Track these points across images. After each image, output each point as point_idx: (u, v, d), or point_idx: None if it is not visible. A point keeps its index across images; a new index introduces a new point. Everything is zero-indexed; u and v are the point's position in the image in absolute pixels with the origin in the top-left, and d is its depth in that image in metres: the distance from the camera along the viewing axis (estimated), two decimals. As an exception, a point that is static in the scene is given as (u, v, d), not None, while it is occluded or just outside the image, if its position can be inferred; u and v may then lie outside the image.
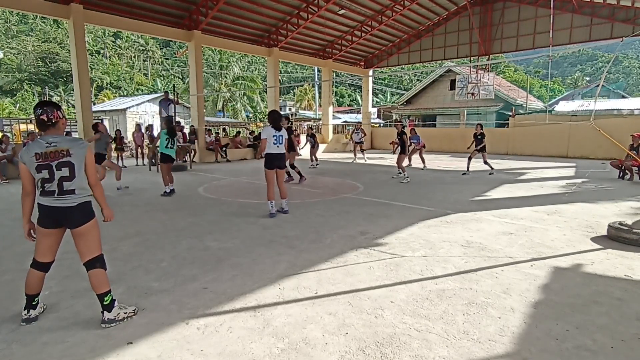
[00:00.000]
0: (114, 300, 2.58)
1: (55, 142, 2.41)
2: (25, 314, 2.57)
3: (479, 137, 10.18)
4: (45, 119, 2.42)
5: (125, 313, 2.60)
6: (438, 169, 11.06)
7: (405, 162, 9.46)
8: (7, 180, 9.29)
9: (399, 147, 9.14)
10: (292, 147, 8.67)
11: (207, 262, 3.70)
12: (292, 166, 8.91)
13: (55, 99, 38.75)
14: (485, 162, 10.35)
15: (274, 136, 5.43)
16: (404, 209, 6.04)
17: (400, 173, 9.11)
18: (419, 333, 2.41)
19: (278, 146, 5.46)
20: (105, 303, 2.52)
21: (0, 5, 10.56)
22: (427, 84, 28.84)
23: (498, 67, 47.52)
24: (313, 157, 12.59)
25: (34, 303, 2.60)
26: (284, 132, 5.55)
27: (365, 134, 15.57)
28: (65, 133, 2.71)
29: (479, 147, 10.20)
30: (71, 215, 2.48)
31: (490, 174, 10.13)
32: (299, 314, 2.67)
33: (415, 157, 12.21)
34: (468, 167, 10.21)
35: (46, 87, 39.28)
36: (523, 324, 2.52)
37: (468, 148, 10.69)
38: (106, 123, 25.51)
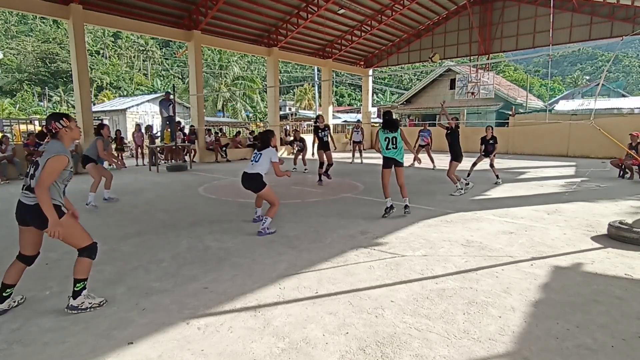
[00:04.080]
0: (84, 289, 2.66)
1: (45, 145, 2.70)
2: None
3: (491, 141, 8.62)
4: (45, 130, 2.83)
5: (90, 303, 2.68)
6: (438, 169, 11.04)
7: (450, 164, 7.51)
8: (7, 181, 9.28)
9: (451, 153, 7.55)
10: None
11: (208, 262, 3.70)
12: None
13: (55, 99, 38.78)
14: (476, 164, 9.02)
15: (253, 154, 4.99)
16: (404, 208, 6.03)
17: (466, 183, 7.65)
18: (420, 332, 2.41)
19: (252, 164, 4.83)
20: (75, 289, 2.64)
21: (0, 5, 10.56)
22: (427, 83, 28.86)
23: (498, 66, 47.45)
24: (296, 161, 11.98)
25: (4, 294, 2.66)
26: (270, 153, 4.81)
27: (364, 135, 15.09)
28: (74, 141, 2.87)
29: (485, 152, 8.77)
30: (28, 215, 2.54)
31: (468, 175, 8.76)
32: (300, 313, 2.67)
33: (422, 157, 12.04)
34: (495, 174, 8.71)
35: (46, 87, 39.29)
36: (523, 323, 2.52)
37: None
38: (106, 123, 25.53)
